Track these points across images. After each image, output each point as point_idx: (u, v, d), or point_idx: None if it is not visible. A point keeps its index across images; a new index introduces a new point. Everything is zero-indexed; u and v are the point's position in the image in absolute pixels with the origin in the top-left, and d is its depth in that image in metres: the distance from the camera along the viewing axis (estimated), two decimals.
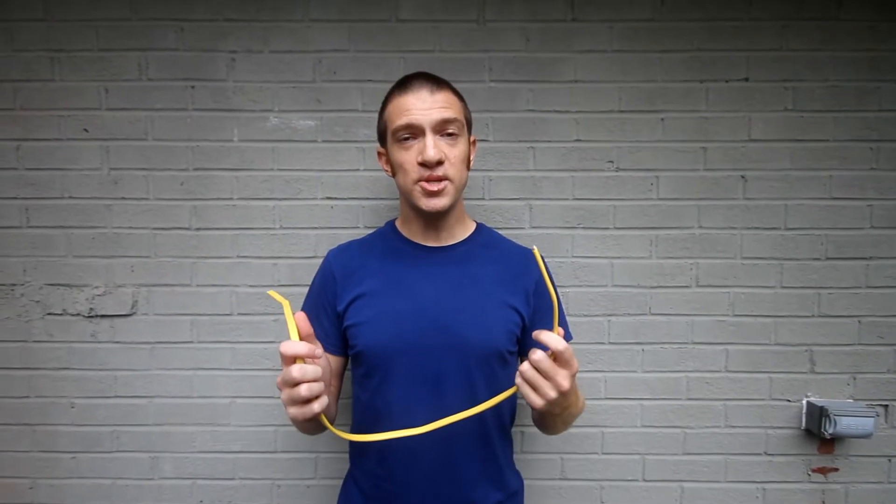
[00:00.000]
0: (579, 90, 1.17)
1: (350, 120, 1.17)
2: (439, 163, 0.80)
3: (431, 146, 0.79)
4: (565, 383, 0.66)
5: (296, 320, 0.64)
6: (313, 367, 0.62)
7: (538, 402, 0.67)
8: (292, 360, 0.63)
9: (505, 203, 1.19)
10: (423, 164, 0.80)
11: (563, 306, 1.18)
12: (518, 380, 0.68)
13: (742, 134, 1.17)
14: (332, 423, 0.91)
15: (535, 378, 0.66)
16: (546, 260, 1.18)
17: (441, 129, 0.81)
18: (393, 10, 1.16)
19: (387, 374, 0.85)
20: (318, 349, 0.64)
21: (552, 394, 0.66)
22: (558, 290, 1.18)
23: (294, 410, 0.64)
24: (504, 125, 1.18)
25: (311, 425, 0.83)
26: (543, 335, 0.65)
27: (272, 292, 0.70)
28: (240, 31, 1.16)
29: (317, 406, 0.63)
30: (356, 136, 1.17)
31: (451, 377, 0.83)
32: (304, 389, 0.62)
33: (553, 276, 1.18)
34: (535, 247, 0.69)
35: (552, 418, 0.82)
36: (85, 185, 1.17)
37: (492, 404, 0.71)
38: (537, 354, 0.65)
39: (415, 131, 0.81)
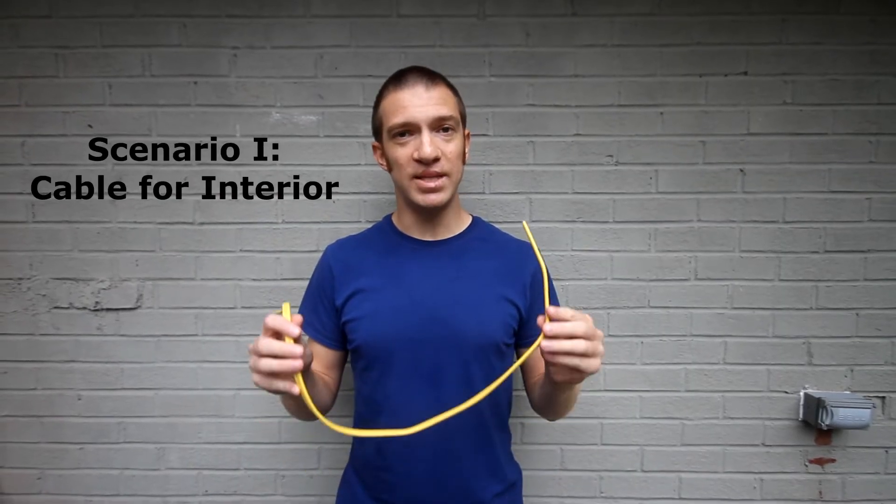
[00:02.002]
0: (579, 84, 1.17)
1: (351, 115, 1.18)
2: (436, 160, 0.80)
3: (428, 143, 0.79)
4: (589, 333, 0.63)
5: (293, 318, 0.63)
6: (281, 345, 0.61)
7: (596, 365, 0.64)
8: (272, 333, 0.62)
9: (505, 197, 1.20)
10: (420, 161, 0.81)
11: (564, 301, 1.19)
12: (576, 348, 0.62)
13: (741, 128, 1.18)
14: (324, 414, 0.90)
15: (590, 346, 0.62)
16: (545, 254, 1.19)
17: (437, 125, 0.81)
18: (394, 6, 1.16)
19: (386, 367, 0.86)
20: (298, 330, 0.62)
21: (601, 347, 0.64)
22: (556, 285, 1.20)
23: (256, 378, 0.63)
24: (504, 120, 1.18)
25: (295, 408, 0.84)
26: (552, 311, 0.62)
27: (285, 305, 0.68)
28: (242, 27, 1.16)
29: (280, 384, 0.62)
30: (357, 131, 1.18)
31: (449, 370, 0.84)
32: (262, 364, 0.61)
33: (551, 269, 1.19)
34: (524, 221, 0.66)
35: (564, 396, 0.80)
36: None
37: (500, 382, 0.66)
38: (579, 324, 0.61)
39: (411, 128, 0.81)
